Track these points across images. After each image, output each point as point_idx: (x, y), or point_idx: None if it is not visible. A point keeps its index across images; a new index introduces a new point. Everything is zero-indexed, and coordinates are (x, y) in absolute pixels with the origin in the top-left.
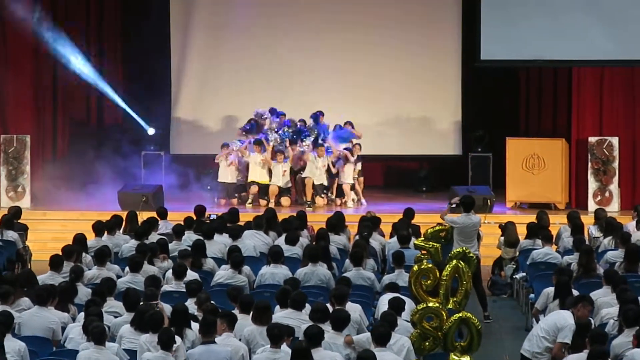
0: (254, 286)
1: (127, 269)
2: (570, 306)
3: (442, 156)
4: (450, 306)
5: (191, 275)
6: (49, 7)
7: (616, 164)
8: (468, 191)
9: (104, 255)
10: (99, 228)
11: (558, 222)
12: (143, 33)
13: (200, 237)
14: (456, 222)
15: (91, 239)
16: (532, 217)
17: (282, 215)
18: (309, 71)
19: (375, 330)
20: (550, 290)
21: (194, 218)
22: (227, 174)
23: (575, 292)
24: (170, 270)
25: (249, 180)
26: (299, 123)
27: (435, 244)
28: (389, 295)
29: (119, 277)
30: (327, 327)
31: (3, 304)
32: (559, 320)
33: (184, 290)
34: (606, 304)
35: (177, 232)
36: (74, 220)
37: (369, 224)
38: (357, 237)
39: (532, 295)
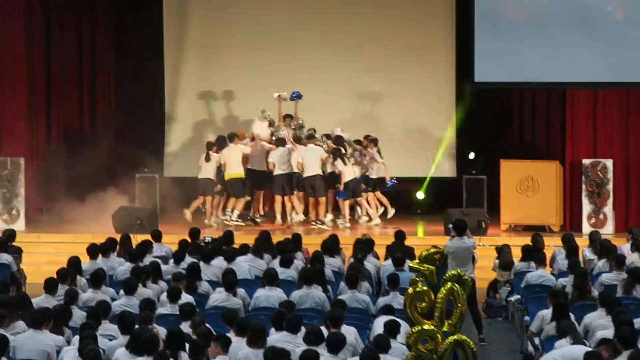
0: (248, 309)
1: (121, 291)
2: (567, 329)
3: (437, 178)
4: (445, 329)
5: (186, 298)
6: (42, 23)
7: (610, 186)
8: (462, 213)
9: (99, 278)
10: (93, 251)
11: (552, 245)
12: (136, 51)
13: (195, 260)
14: (448, 247)
15: (86, 262)
16: (526, 240)
17: (277, 237)
18: (302, 89)
19: (363, 356)
20: (545, 312)
21: (189, 241)
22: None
23: (571, 316)
24: (165, 293)
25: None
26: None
27: (429, 267)
28: (384, 318)
29: (113, 300)
30: (322, 350)
31: None
32: (579, 354)
33: (179, 312)
34: (601, 326)
35: (177, 257)
36: (68, 243)
37: (364, 246)
38: (351, 259)
39: (527, 318)
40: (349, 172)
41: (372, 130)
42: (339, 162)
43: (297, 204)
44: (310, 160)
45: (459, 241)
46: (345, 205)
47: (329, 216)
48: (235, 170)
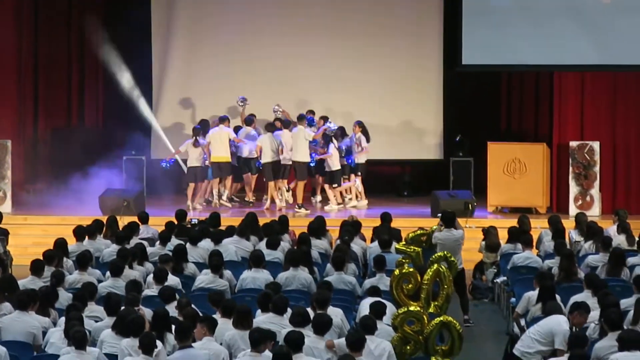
0: (235, 290)
1: (108, 273)
2: (553, 311)
3: (424, 161)
4: (431, 310)
5: (172, 279)
6: (31, 14)
7: (597, 169)
8: (449, 195)
9: (85, 259)
10: (80, 233)
11: (539, 227)
12: (124, 38)
13: (182, 242)
14: (437, 238)
15: (72, 244)
16: (513, 222)
17: (264, 219)
18: (291, 77)
19: (349, 337)
20: (531, 294)
21: (175, 222)
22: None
23: (557, 297)
24: (151, 275)
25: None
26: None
27: (416, 248)
28: (370, 300)
29: (100, 281)
30: (308, 332)
31: None
32: (555, 326)
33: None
34: None
35: (163, 238)
36: (55, 225)
37: (350, 228)
38: (338, 241)
39: (513, 299)
40: (337, 159)
41: (360, 114)
42: (331, 145)
43: (284, 190)
44: (297, 144)
45: (447, 232)
46: (337, 190)
47: (318, 197)
48: (221, 153)
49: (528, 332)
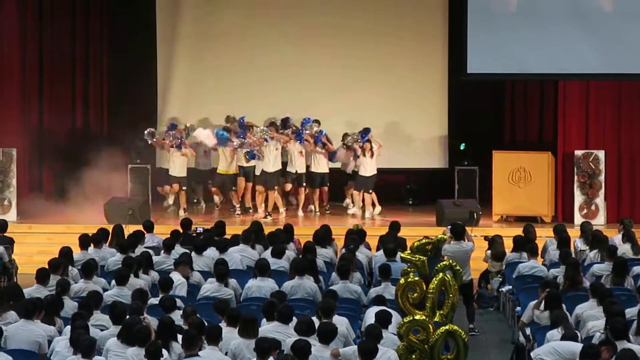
0: (240, 299)
1: (113, 282)
2: (559, 319)
3: (429, 169)
4: (436, 319)
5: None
6: (35, 15)
7: (602, 177)
8: (454, 204)
9: (90, 268)
10: (85, 241)
11: (544, 235)
12: (129, 45)
13: (187, 250)
14: (446, 251)
15: (77, 252)
16: (518, 231)
17: (269, 228)
18: (294, 84)
19: (363, 345)
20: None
21: (181, 231)
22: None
23: (563, 306)
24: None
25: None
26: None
27: (421, 257)
28: (375, 308)
29: (105, 290)
30: (313, 341)
31: None
32: (578, 349)
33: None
34: (592, 317)
35: (168, 246)
36: (60, 233)
37: (356, 237)
38: (343, 250)
39: (518, 308)
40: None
41: (364, 123)
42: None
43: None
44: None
45: (457, 245)
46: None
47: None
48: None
49: (552, 343)
